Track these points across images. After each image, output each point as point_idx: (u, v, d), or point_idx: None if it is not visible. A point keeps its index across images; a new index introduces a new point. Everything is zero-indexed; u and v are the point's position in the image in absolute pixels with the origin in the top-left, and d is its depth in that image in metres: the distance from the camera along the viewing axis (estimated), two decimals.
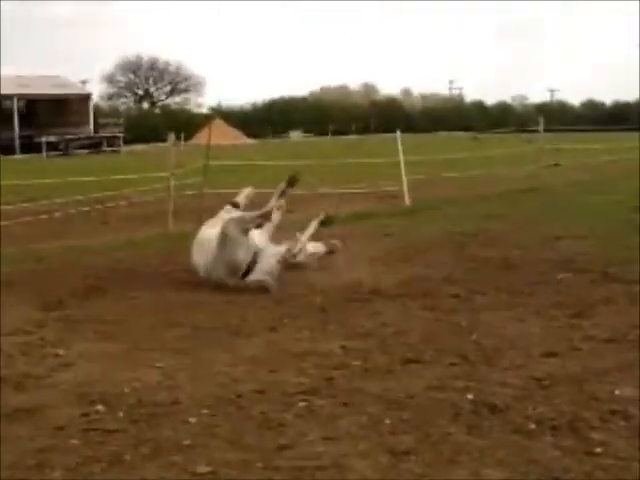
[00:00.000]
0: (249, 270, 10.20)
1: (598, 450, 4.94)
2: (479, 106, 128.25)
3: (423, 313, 8.65)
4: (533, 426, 5.33)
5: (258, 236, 10.61)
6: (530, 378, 6.30)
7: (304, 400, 5.95)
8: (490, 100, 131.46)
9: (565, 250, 12.10)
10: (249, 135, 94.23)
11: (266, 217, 10.57)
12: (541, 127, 27.51)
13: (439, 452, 4.99)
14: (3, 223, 16.69)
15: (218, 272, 10.29)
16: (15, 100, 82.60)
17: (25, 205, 19.35)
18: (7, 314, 9.02)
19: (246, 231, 10.28)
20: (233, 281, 10.18)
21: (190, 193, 19.05)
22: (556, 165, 28.83)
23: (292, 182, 11.53)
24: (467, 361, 6.84)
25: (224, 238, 10.27)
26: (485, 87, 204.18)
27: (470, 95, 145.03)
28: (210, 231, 10.79)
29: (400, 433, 5.29)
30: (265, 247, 10.51)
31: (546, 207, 18.19)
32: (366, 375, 6.55)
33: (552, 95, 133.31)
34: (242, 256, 10.21)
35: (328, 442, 5.17)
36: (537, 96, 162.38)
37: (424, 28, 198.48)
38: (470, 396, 5.93)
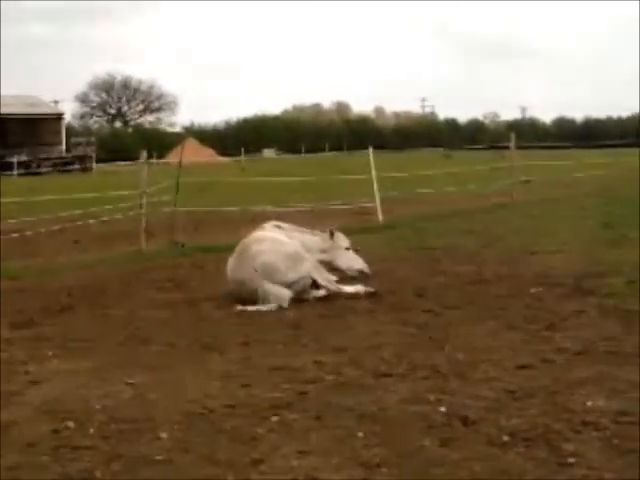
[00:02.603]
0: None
1: (571, 461, 4.95)
2: (452, 123, 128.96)
3: (396, 327, 8.65)
4: (506, 438, 5.33)
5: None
6: (503, 390, 6.31)
7: (277, 414, 5.92)
8: (462, 117, 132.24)
9: (537, 265, 12.14)
10: (222, 154, 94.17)
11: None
12: (512, 144, 27.60)
13: (412, 465, 4.98)
14: None
15: None
16: None
17: None
18: None
19: None
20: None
21: (163, 211, 18.97)
22: (527, 182, 28.97)
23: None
24: (440, 374, 6.84)
25: None
26: (457, 104, 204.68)
27: (442, 113, 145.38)
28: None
29: (373, 446, 5.27)
30: None
31: (518, 223, 18.26)
32: (339, 389, 6.53)
33: (523, 112, 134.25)
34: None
35: (301, 456, 5.14)
36: (509, 113, 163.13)
37: (397, 47, 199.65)
38: (443, 409, 5.92)
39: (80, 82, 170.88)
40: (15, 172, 65.02)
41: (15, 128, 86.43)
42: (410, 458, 5.08)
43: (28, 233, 18.09)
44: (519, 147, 30.70)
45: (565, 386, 6.38)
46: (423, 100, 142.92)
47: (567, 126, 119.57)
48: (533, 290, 10.24)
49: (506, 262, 12.59)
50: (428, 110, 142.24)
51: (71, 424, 5.84)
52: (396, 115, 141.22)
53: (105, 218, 20.49)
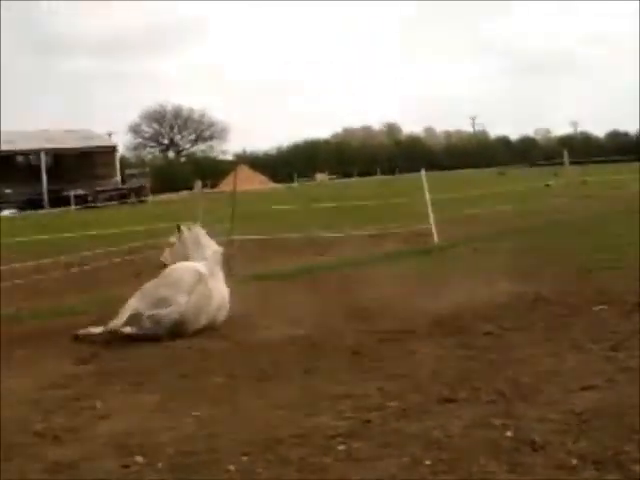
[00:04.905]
0: None
1: None
2: (503, 141, 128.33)
3: (457, 351, 8.62)
4: (575, 461, 5.28)
5: None
6: (569, 413, 6.25)
7: (343, 443, 5.93)
8: (513, 135, 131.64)
9: (598, 282, 12.03)
10: (275, 180, 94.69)
11: None
12: (566, 160, 27.45)
13: None
14: (35, 277, 16.81)
15: None
16: (42, 154, 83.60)
17: (55, 259, 19.48)
18: (43, 368, 9.08)
19: None
20: None
21: (218, 240, 19.08)
22: (585, 197, 28.77)
23: None
24: (504, 398, 6.80)
25: None
26: (508, 122, 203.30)
27: (493, 130, 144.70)
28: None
29: (441, 473, 5.26)
30: None
31: (576, 239, 18.10)
32: (403, 416, 6.52)
33: (575, 127, 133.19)
34: None
35: None
36: (560, 129, 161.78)
37: (444, 66, 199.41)
38: (509, 433, 5.89)
39: (130, 114, 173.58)
40: (72, 206, 65.84)
41: (70, 162, 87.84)
42: None
43: (86, 267, 18.32)
44: (572, 162, 30.55)
45: (632, 406, 6.29)
46: (473, 118, 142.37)
47: (621, 139, 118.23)
48: (596, 308, 10.15)
49: (565, 280, 12.48)
50: (479, 128, 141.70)
51: (140, 458, 5.90)
52: (447, 134, 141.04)
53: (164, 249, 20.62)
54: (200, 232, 12.28)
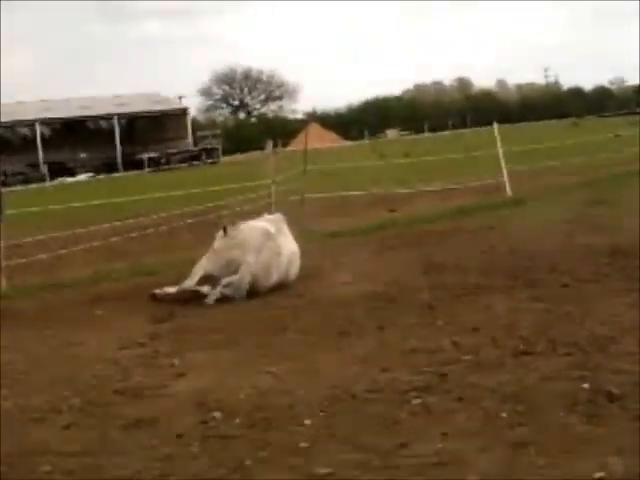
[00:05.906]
0: None
1: None
2: (577, 92, 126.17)
3: (532, 304, 8.54)
4: None
5: None
6: None
7: (418, 397, 5.94)
8: (587, 85, 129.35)
9: None
10: (346, 137, 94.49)
11: None
12: None
13: (559, 443, 4.92)
14: (113, 239, 17.05)
15: None
16: (115, 119, 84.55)
17: (132, 221, 19.71)
18: (121, 328, 9.25)
19: None
20: None
21: (291, 199, 19.14)
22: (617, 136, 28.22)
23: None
24: (581, 350, 6.73)
25: None
26: (581, 72, 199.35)
27: (566, 81, 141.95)
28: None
29: (517, 426, 5.23)
30: None
31: None
32: (479, 369, 6.50)
33: None
34: None
35: (445, 438, 5.14)
36: (636, 78, 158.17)
37: (516, 16, 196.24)
38: (586, 385, 5.83)
39: (199, 75, 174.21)
40: (146, 169, 66.55)
41: (143, 125, 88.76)
42: (556, 436, 5.03)
43: (161, 229, 18.51)
44: None
45: None
46: (546, 69, 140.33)
47: None
48: None
49: None
50: (551, 80, 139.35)
51: (218, 414, 5.98)
52: (519, 87, 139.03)
53: (237, 209, 20.78)
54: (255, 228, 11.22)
